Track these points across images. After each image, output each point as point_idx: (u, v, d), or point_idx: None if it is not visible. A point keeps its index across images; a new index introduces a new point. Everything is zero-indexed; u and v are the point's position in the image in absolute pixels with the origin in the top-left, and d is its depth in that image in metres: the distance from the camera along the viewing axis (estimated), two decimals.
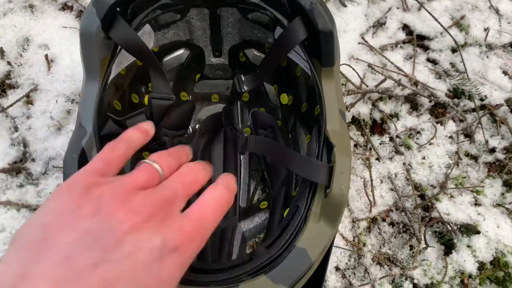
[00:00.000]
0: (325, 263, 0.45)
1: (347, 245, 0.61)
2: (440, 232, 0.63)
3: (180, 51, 0.58)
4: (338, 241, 0.61)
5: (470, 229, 0.62)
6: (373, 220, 0.64)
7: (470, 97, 0.73)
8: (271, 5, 0.44)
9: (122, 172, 0.49)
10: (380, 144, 0.70)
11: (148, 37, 0.51)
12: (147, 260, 0.26)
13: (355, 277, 0.60)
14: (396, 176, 0.67)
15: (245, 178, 0.60)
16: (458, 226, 0.63)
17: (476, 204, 0.66)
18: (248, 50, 0.58)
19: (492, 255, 0.61)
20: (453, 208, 0.64)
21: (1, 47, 0.69)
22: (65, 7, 0.75)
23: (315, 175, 0.40)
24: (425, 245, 0.61)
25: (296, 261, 0.38)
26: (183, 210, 0.32)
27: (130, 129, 0.39)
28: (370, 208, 0.64)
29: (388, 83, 0.72)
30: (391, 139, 0.70)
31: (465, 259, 0.61)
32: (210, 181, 0.58)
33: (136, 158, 0.54)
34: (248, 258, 0.41)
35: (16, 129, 0.64)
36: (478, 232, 0.62)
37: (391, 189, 0.66)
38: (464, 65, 0.76)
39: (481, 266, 0.61)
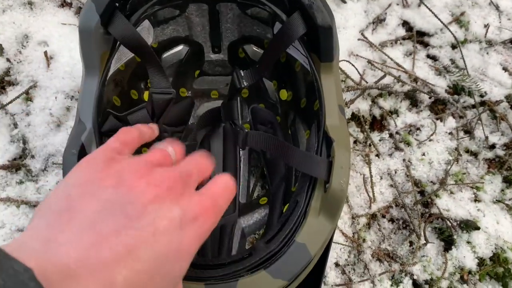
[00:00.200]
0: (325, 258, 0.46)
1: (346, 241, 0.61)
2: (440, 228, 0.63)
3: (179, 47, 0.58)
4: (338, 237, 0.61)
5: (469, 225, 0.62)
6: (373, 216, 0.64)
7: (470, 94, 0.73)
8: (270, 0, 0.44)
9: None
10: (380, 140, 0.70)
11: (147, 32, 0.50)
12: (168, 228, 0.27)
13: (354, 273, 0.60)
14: (395, 172, 0.67)
15: (245, 174, 0.59)
16: (458, 222, 0.63)
17: (476, 200, 0.66)
18: (247, 46, 0.58)
19: (492, 251, 0.61)
20: (453, 204, 0.64)
21: (1, 44, 0.69)
22: (64, 4, 0.75)
23: (314, 170, 0.40)
24: (425, 241, 0.61)
25: (296, 256, 0.38)
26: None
27: (139, 125, 0.40)
28: (370, 204, 0.64)
29: (388, 80, 0.72)
30: (390, 135, 0.70)
31: (464, 255, 0.61)
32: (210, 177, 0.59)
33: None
34: (247, 254, 0.41)
35: (15, 126, 0.64)
36: (477, 228, 0.62)
37: (391, 186, 0.66)
38: (464, 61, 0.75)
39: (481, 262, 0.61)
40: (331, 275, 0.59)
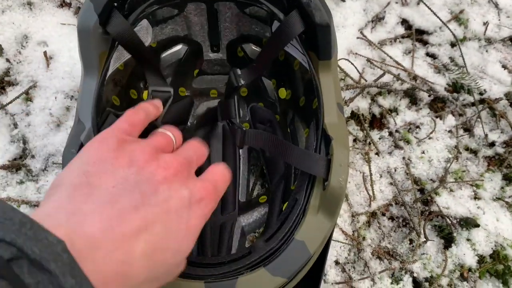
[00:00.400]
0: (324, 256, 0.46)
1: (346, 239, 0.61)
2: (440, 225, 0.63)
3: (178, 47, 0.58)
4: (338, 235, 0.61)
5: (469, 223, 0.62)
6: (373, 215, 0.64)
7: (470, 91, 0.73)
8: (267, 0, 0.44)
9: None
10: (380, 138, 0.70)
11: (145, 32, 0.51)
12: (179, 207, 0.29)
13: (354, 271, 0.60)
14: (395, 170, 0.67)
15: (244, 173, 0.60)
16: (458, 220, 0.63)
17: (476, 198, 0.66)
18: (246, 45, 0.58)
19: (492, 248, 0.61)
20: (453, 202, 0.65)
21: (0, 45, 0.69)
22: (63, 4, 0.75)
23: (313, 168, 0.41)
24: (425, 239, 0.61)
25: (295, 254, 0.39)
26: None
27: (144, 102, 0.41)
28: (370, 202, 0.64)
29: (387, 78, 0.72)
30: (390, 133, 0.70)
31: (464, 252, 0.61)
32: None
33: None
34: (247, 252, 0.41)
35: (15, 126, 0.64)
36: (477, 226, 0.62)
37: (391, 184, 0.66)
38: (463, 59, 0.75)
39: (481, 259, 0.61)
40: (331, 273, 0.59)
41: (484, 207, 0.65)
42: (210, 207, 0.32)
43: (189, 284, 0.37)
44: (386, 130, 0.70)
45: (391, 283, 0.59)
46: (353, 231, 0.62)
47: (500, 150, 0.70)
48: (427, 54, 0.78)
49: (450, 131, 0.71)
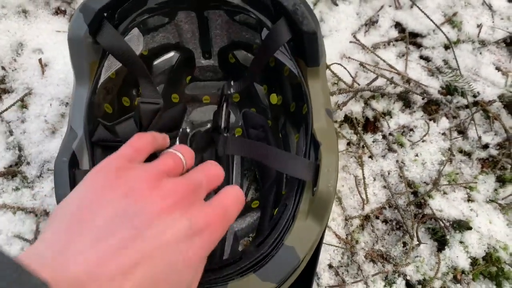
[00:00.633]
0: (315, 260, 0.46)
1: (340, 243, 0.62)
2: (433, 228, 0.63)
3: (170, 54, 0.59)
4: (331, 239, 0.61)
5: (462, 225, 0.62)
6: (366, 218, 0.64)
7: (463, 94, 0.74)
8: (254, 7, 0.44)
9: None
10: (373, 142, 0.70)
11: (136, 40, 0.51)
12: (175, 239, 0.28)
13: (348, 274, 0.60)
14: (389, 173, 0.67)
15: (237, 178, 0.60)
16: (451, 223, 0.63)
17: (469, 200, 0.66)
18: (238, 51, 0.58)
19: (485, 250, 0.62)
20: (446, 205, 0.65)
21: None
22: (58, 12, 0.76)
23: (301, 173, 0.41)
24: (418, 242, 0.62)
25: (284, 259, 0.39)
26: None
27: (154, 132, 0.41)
28: (363, 205, 0.64)
29: (380, 81, 0.72)
30: (384, 136, 0.70)
31: (457, 255, 0.61)
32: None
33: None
34: (238, 257, 0.42)
35: (11, 133, 0.65)
36: (470, 228, 0.62)
37: (384, 187, 0.66)
38: (456, 62, 0.76)
39: (474, 261, 0.62)
40: (325, 277, 0.59)
41: (477, 209, 0.65)
42: (216, 236, 0.31)
43: None
44: (380, 133, 0.71)
45: (385, 286, 0.60)
46: (346, 235, 0.62)
47: (493, 152, 0.70)
48: (421, 57, 0.78)
49: (443, 134, 0.71)
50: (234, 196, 0.34)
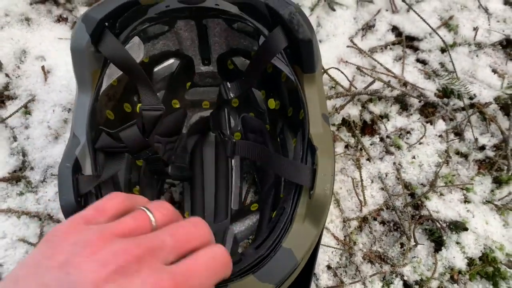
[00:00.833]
0: (313, 262, 0.47)
1: (338, 244, 0.63)
2: (430, 229, 0.64)
3: (170, 61, 0.60)
4: (330, 240, 0.63)
5: (458, 226, 0.63)
6: (364, 219, 0.65)
7: (460, 96, 0.75)
8: (252, 16, 0.46)
9: (116, 180, 0.51)
10: (371, 144, 0.71)
11: (137, 48, 0.52)
12: None
13: (346, 275, 0.61)
14: (386, 175, 0.68)
15: (237, 181, 0.61)
16: (448, 224, 0.64)
17: (466, 201, 0.67)
18: (236, 58, 0.59)
19: (481, 251, 0.63)
20: (443, 206, 0.66)
21: None
22: (60, 19, 0.78)
23: (299, 177, 0.42)
24: (415, 243, 0.63)
25: (282, 261, 0.40)
26: None
27: (132, 195, 0.35)
28: (361, 207, 0.65)
29: (378, 85, 0.74)
30: (381, 139, 0.71)
31: (454, 255, 0.62)
32: (203, 183, 0.60)
33: (130, 165, 0.56)
34: (237, 259, 0.43)
35: (15, 139, 0.66)
36: (466, 229, 0.63)
37: (382, 189, 0.67)
38: (453, 64, 0.77)
39: (471, 262, 0.63)
40: (323, 278, 0.60)
41: (474, 210, 0.66)
42: None
43: None
44: (377, 136, 0.72)
45: (382, 286, 0.61)
46: (344, 236, 0.63)
47: (490, 153, 0.71)
48: (418, 60, 0.79)
49: (440, 136, 0.72)
50: (208, 259, 0.29)
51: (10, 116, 0.67)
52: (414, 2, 0.84)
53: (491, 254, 0.62)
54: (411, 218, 0.65)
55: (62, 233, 0.27)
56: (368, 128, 0.73)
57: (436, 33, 0.78)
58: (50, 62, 0.72)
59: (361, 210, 0.65)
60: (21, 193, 0.63)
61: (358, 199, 0.65)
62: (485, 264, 0.62)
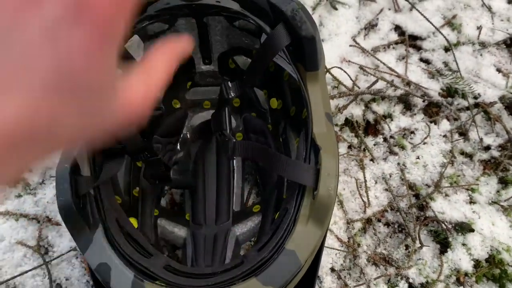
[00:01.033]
0: (316, 264, 0.46)
1: (342, 246, 0.62)
2: (435, 231, 0.63)
3: None
4: (333, 242, 0.62)
5: (464, 227, 0.62)
6: (368, 221, 0.64)
7: (464, 96, 0.74)
8: (253, 13, 0.45)
9: (115, 181, 0.51)
10: (375, 145, 0.70)
11: (136, 47, 0.51)
12: (40, 38, 0.19)
13: (350, 277, 0.60)
14: (390, 176, 0.67)
15: (239, 182, 0.60)
16: (453, 225, 0.63)
17: (471, 202, 0.66)
18: (238, 57, 0.58)
19: (487, 252, 0.62)
20: (448, 207, 0.65)
21: None
22: None
23: (302, 177, 0.41)
24: (420, 244, 0.62)
25: (285, 263, 0.39)
26: None
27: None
28: (365, 208, 0.64)
29: (381, 84, 0.73)
30: (385, 139, 0.70)
31: (460, 257, 0.61)
32: (205, 185, 0.59)
33: (130, 167, 0.55)
34: (240, 262, 0.42)
35: None
36: (472, 230, 0.62)
37: (386, 190, 0.66)
38: (457, 64, 0.76)
39: (477, 264, 0.61)
40: (327, 280, 0.59)
41: (480, 211, 0.65)
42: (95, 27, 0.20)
43: None
44: (381, 136, 0.71)
45: None
46: (348, 238, 0.62)
47: (495, 153, 0.70)
48: (421, 60, 0.79)
49: (445, 136, 0.71)
50: None
51: None
52: (417, 1, 0.83)
53: (497, 255, 0.61)
54: (416, 220, 0.64)
55: None
56: (372, 128, 0.72)
57: (440, 32, 0.78)
58: None
59: (365, 212, 0.64)
60: (20, 195, 0.62)
61: (362, 200, 0.64)
62: (491, 266, 0.61)
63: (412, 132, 0.71)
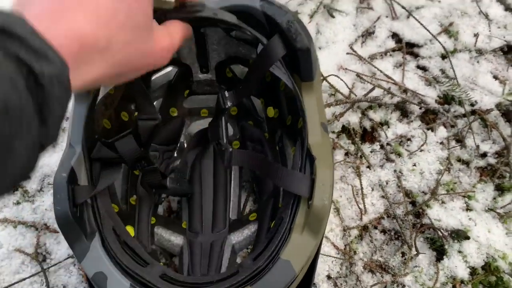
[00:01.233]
0: (311, 273, 0.46)
1: (338, 254, 0.62)
2: (432, 238, 0.64)
3: (168, 69, 0.60)
4: (330, 249, 0.62)
5: (460, 235, 0.62)
6: (365, 228, 0.64)
7: (461, 103, 0.74)
8: (250, 25, 0.45)
9: (113, 190, 0.51)
10: (371, 152, 0.70)
11: None
12: None
13: (346, 285, 0.60)
14: (387, 183, 0.68)
15: (236, 190, 0.61)
16: (449, 232, 0.63)
17: (468, 209, 0.66)
18: (235, 66, 0.59)
19: (484, 260, 0.62)
20: (444, 214, 0.65)
21: None
22: None
23: (297, 187, 0.41)
24: (416, 252, 0.62)
25: (280, 273, 0.39)
26: None
27: None
28: (361, 216, 0.64)
29: (378, 92, 0.73)
30: (381, 146, 0.71)
31: (456, 264, 0.61)
32: (201, 193, 0.59)
33: (127, 175, 0.56)
34: (235, 271, 0.42)
35: None
36: (468, 238, 0.62)
37: (382, 197, 0.66)
38: (453, 71, 0.76)
39: (473, 271, 0.62)
40: None
41: (476, 218, 0.65)
42: None
43: None
44: (378, 143, 0.71)
45: None
46: (344, 245, 0.63)
47: (492, 160, 0.70)
48: (418, 67, 0.79)
49: (441, 143, 0.71)
50: None
51: None
52: (414, 9, 0.84)
53: (493, 263, 0.61)
54: (412, 227, 0.64)
55: None
56: (368, 135, 0.72)
57: (437, 40, 0.78)
58: None
59: (361, 219, 0.64)
60: (18, 203, 0.63)
61: (358, 207, 0.65)
62: (487, 274, 0.61)
63: (409, 139, 0.72)
